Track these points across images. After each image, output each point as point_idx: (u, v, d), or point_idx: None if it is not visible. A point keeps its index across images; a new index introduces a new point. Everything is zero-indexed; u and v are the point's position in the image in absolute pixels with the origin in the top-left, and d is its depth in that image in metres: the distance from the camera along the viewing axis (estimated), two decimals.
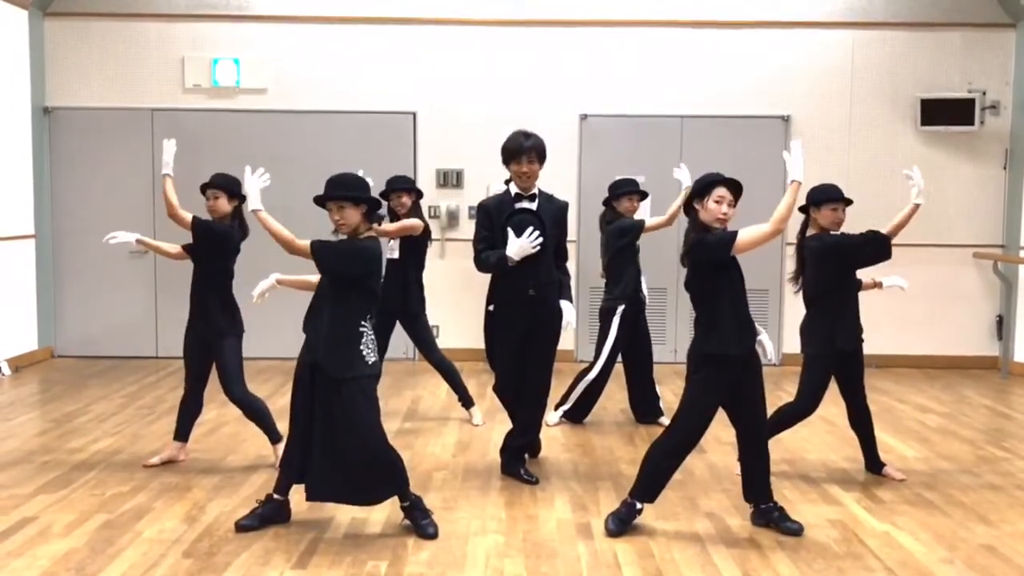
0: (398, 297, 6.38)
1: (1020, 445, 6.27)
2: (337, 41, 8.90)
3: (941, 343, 9.00)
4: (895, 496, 5.12)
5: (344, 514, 4.64)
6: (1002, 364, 8.79)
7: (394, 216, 6.44)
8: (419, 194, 6.57)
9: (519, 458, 5.39)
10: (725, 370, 4.35)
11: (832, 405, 6.90)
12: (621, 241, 6.31)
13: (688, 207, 4.48)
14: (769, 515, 4.56)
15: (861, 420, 5.46)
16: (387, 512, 4.73)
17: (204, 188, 5.36)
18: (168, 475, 5.31)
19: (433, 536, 4.38)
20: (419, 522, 4.43)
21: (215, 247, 5.30)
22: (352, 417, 4.24)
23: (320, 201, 4.35)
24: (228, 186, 5.32)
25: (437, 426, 6.56)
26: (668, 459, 4.49)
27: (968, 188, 8.98)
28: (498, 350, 5.30)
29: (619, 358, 6.48)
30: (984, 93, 8.77)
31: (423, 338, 6.57)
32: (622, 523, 4.49)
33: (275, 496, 4.49)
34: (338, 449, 4.25)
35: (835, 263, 5.17)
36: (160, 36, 8.87)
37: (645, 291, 6.50)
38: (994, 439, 6.44)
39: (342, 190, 4.30)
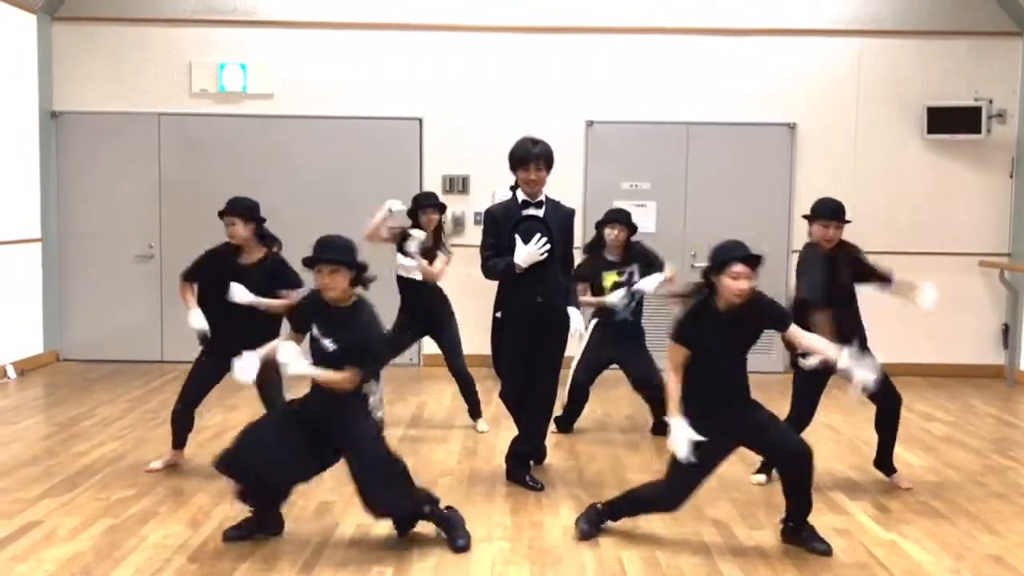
0: (430, 314, 6.48)
1: None
2: (344, 47, 8.92)
3: (947, 352, 8.98)
4: (901, 505, 5.10)
5: (349, 521, 4.64)
6: (1008, 373, 8.77)
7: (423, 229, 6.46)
8: (443, 209, 6.61)
9: (524, 465, 5.38)
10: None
11: (836, 412, 6.92)
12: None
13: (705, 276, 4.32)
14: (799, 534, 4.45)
15: (882, 421, 5.43)
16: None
17: (221, 214, 5.33)
18: (173, 480, 5.31)
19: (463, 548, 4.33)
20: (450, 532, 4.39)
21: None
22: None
23: (310, 264, 4.16)
24: (241, 211, 5.27)
25: (442, 433, 6.55)
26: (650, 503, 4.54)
27: (974, 196, 8.97)
28: (505, 357, 5.29)
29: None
30: (991, 101, 8.76)
31: (453, 343, 6.58)
32: (591, 524, 4.54)
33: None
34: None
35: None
36: (167, 41, 8.89)
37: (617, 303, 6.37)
38: (1000, 448, 6.42)
39: (337, 254, 4.13)
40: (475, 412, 6.67)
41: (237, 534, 4.38)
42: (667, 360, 4.35)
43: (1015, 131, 8.82)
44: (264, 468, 4.15)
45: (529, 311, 5.12)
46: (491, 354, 5.39)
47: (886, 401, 5.35)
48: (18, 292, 8.50)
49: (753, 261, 4.22)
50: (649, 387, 6.20)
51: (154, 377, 8.28)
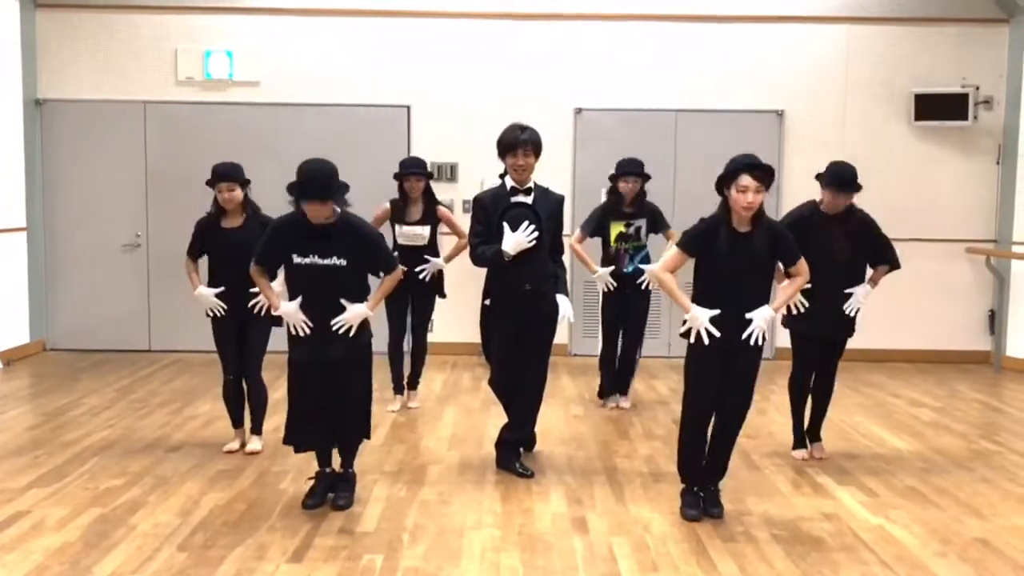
0: (423, 283, 6.59)
1: (1012, 439, 6.29)
2: (331, 34, 8.87)
3: (934, 337, 9.02)
4: (889, 490, 5.13)
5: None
6: (994, 358, 8.83)
7: (405, 198, 6.53)
8: (430, 175, 6.71)
9: (514, 452, 5.39)
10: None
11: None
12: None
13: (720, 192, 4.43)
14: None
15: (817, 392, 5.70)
16: (382, 506, 4.74)
17: (215, 182, 5.43)
18: (162, 469, 5.29)
19: (343, 508, 4.65)
20: (338, 491, 4.74)
21: None
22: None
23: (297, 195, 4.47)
24: (239, 176, 5.47)
25: (432, 420, 6.55)
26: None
27: (961, 183, 9.00)
28: (494, 344, 5.30)
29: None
30: (978, 88, 8.78)
31: (426, 317, 6.77)
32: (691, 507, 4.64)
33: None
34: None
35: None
36: (153, 28, 8.82)
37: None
38: (987, 433, 6.46)
39: (325, 192, 4.43)
40: (413, 383, 6.85)
41: (315, 502, 4.68)
42: (663, 260, 4.52)
43: (1002, 118, 8.85)
44: (319, 436, 4.69)
45: (518, 298, 5.12)
46: (480, 341, 5.39)
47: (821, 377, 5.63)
48: (3, 281, 8.44)
49: (762, 172, 4.23)
50: (624, 361, 6.76)
51: (142, 366, 8.25)
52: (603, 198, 6.90)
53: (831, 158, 8.13)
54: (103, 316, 8.94)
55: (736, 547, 4.27)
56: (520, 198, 5.14)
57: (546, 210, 5.17)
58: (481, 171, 8.26)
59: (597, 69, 8.89)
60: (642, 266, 6.57)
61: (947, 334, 9.03)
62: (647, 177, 6.72)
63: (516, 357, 5.21)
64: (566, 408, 6.87)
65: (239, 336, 5.54)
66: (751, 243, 4.35)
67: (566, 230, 5.61)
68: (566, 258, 5.56)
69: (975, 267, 8.98)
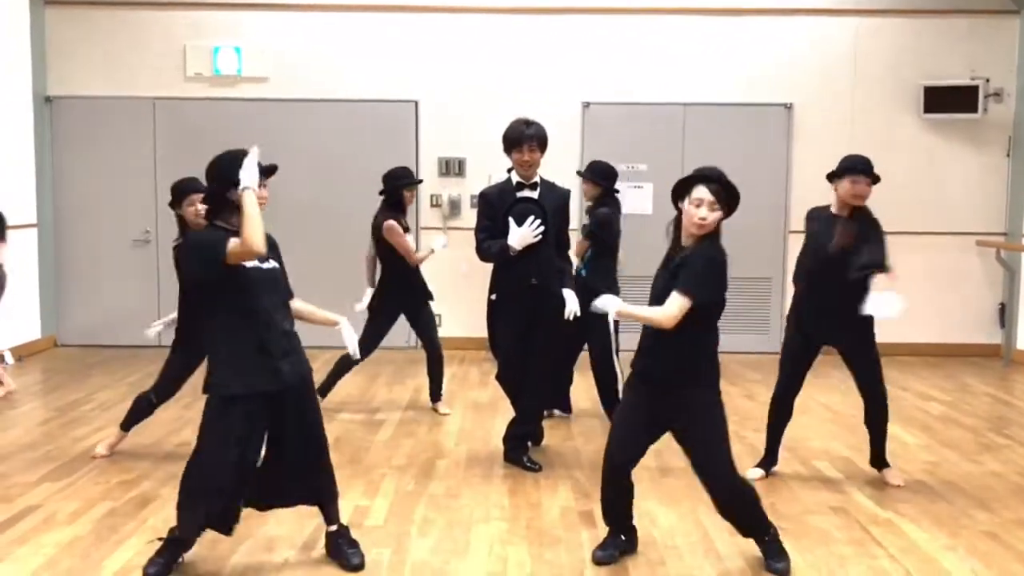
0: (416, 291, 6.51)
1: (1022, 432, 6.27)
2: (339, 29, 8.88)
3: (943, 331, 8.99)
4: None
5: (347, 502, 4.65)
6: (1004, 352, 8.79)
7: (403, 208, 6.45)
8: (419, 182, 6.74)
9: (522, 446, 5.40)
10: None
11: (834, 393, 6.94)
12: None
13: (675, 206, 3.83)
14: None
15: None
16: (390, 500, 4.75)
17: (181, 202, 5.12)
18: (171, 464, 5.31)
19: (360, 567, 3.92)
20: (346, 551, 3.96)
21: None
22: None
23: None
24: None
25: (440, 415, 6.56)
26: None
27: (971, 176, 8.96)
28: (500, 339, 5.30)
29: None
30: (988, 80, 8.73)
31: (431, 325, 6.62)
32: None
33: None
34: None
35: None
36: (161, 24, 8.85)
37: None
38: (996, 427, 6.44)
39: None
40: (436, 394, 6.66)
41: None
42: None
43: (1012, 110, 8.80)
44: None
45: (523, 293, 5.12)
46: (487, 336, 5.40)
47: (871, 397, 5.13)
48: (14, 278, 8.45)
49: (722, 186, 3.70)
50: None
51: (152, 362, 8.21)
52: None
53: (840, 151, 8.08)
54: (113, 312, 8.98)
55: (743, 541, 4.27)
56: (526, 193, 5.15)
57: (552, 205, 5.17)
58: (489, 166, 8.26)
59: (604, 63, 8.88)
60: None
61: (957, 327, 9.00)
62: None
63: (522, 352, 5.22)
64: (574, 402, 6.87)
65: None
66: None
67: (572, 224, 5.61)
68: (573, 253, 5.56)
69: (985, 260, 8.94)
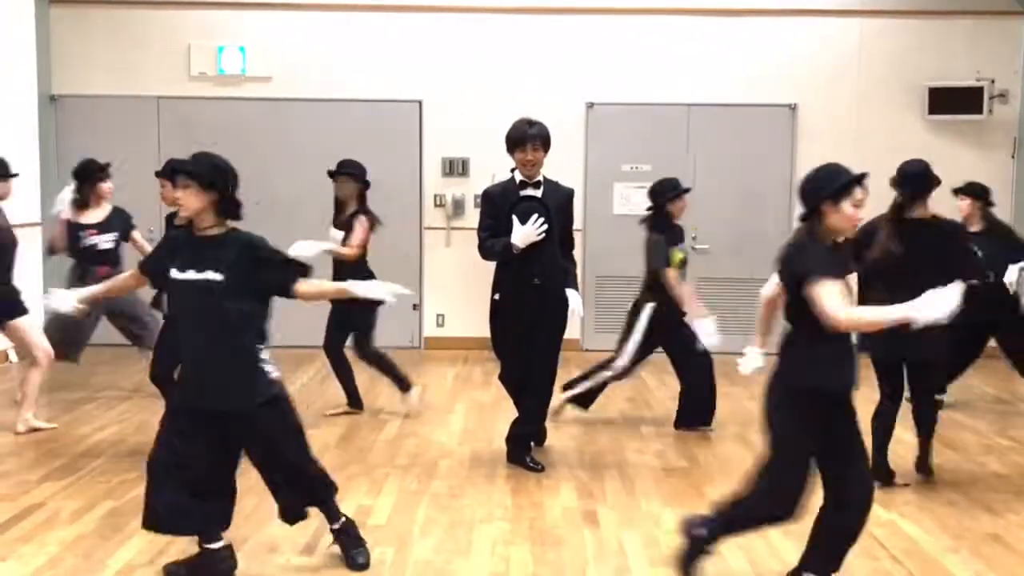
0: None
1: None
2: (343, 29, 8.89)
3: None
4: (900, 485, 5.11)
5: (350, 502, 4.65)
6: None
7: (339, 205, 6.28)
8: (359, 176, 6.25)
9: (525, 446, 5.40)
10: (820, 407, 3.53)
11: None
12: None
13: (810, 211, 3.71)
14: None
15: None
16: (393, 499, 4.76)
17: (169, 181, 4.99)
18: None
19: (364, 566, 3.91)
20: (350, 551, 3.95)
21: None
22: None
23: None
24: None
25: (443, 414, 6.57)
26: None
27: (975, 177, 8.85)
28: (503, 338, 5.30)
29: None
30: (993, 81, 8.72)
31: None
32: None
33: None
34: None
35: None
36: (166, 24, 8.86)
37: None
38: (1000, 428, 6.43)
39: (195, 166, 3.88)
40: (403, 386, 6.45)
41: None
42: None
43: (1017, 111, 8.79)
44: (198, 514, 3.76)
45: (527, 292, 5.12)
46: (490, 336, 5.39)
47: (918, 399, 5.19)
48: (19, 276, 8.47)
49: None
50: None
51: None
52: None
53: (844, 152, 8.10)
54: None
55: (746, 541, 4.25)
56: (529, 191, 5.15)
57: (556, 204, 5.17)
58: (493, 166, 8.25)
59: (609, 63, 8.88)
60: None
61: None
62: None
63: (526, 351, 5.21)
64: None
65: None
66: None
67: (577, 224, 5.60)
68: (578, 253, 5.55)
69: None
